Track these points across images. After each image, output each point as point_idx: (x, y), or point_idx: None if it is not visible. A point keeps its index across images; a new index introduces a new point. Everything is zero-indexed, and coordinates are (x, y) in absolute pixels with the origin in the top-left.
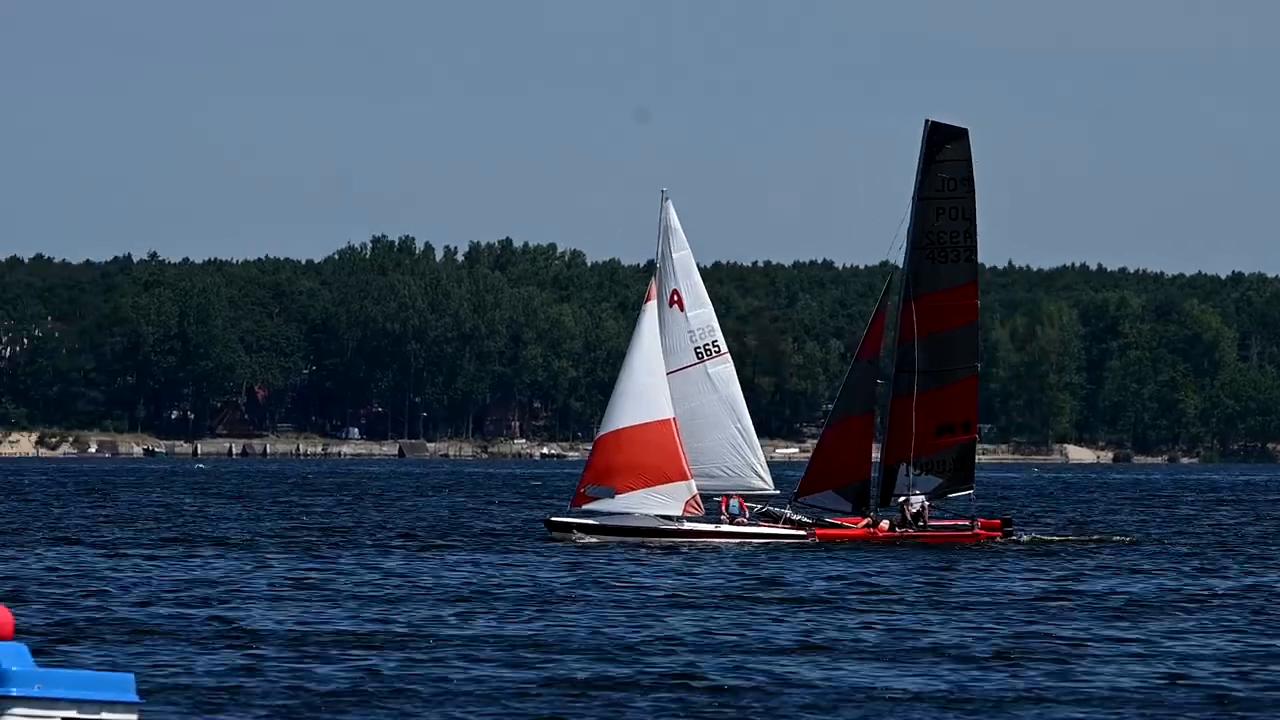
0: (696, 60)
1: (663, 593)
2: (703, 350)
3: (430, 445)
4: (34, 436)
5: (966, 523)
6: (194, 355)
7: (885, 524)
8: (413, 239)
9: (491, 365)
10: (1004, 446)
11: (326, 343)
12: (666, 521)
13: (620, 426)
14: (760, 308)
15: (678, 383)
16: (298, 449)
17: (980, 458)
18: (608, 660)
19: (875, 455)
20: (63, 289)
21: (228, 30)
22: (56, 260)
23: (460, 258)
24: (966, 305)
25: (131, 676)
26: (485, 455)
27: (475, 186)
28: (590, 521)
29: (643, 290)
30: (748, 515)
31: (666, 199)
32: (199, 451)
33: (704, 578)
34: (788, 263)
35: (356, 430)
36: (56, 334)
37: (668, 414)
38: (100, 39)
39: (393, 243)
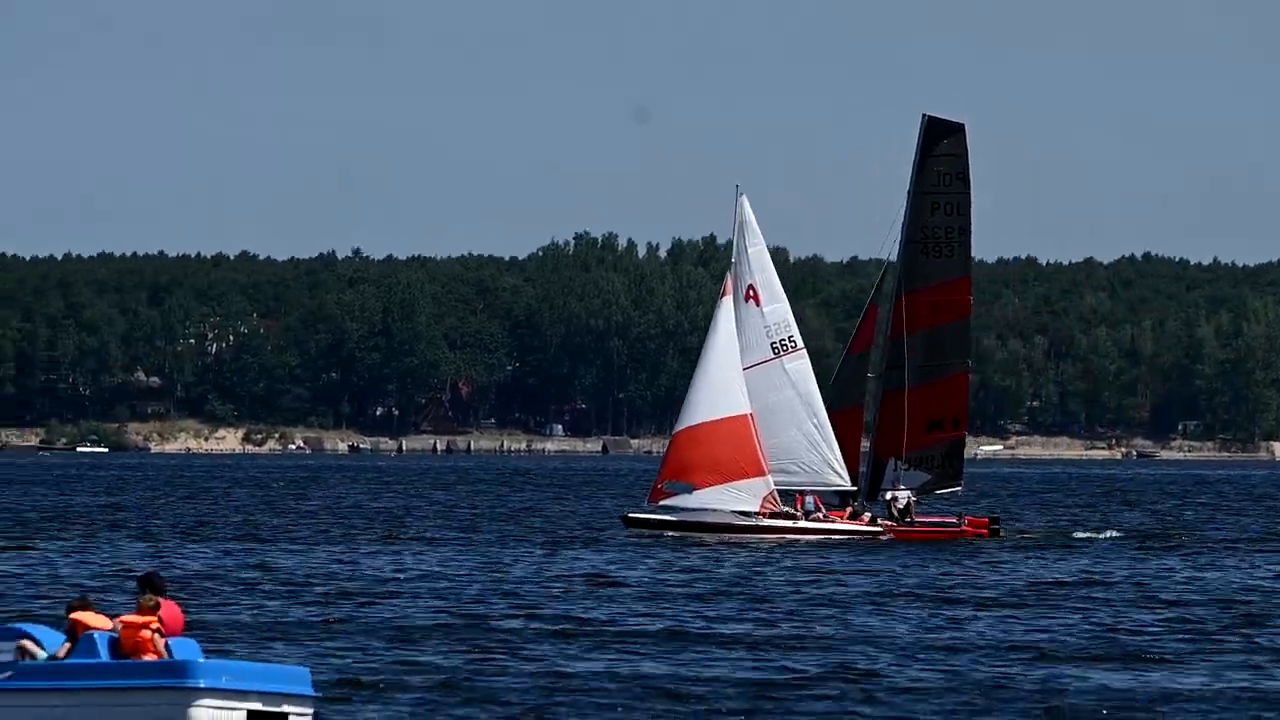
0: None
1: (876, 588)
2: (779, 345)
3: (634, 442)
4: (240, 433)
5: (954, 520)
6: (398, 352)
7: (867, 516)
8: (616, 235)
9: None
10: (1209, 444)
11: (530, 339)
12: (743, 518)
13: (697, 422)
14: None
15: (754, 378)
16: (502, 445)
17: (1184, 455)
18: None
19: (864, 449)
20: (268, 286)
21: (431, 27)
22: (262, 257)
23: (663, 254)
24: (959, 301)
25: (307, 670)
26: None
27: (679, 183)
28: (668, 518)
29: (848, 288)
30: (824, 511)
31: (741, 194)
32: (403, 448)
33: (898, 575)
34: (991, 259)
35: (560, 427)
36: (262, 330)
37: (744, 409)
38: (298, 34)
39: (596, 239)
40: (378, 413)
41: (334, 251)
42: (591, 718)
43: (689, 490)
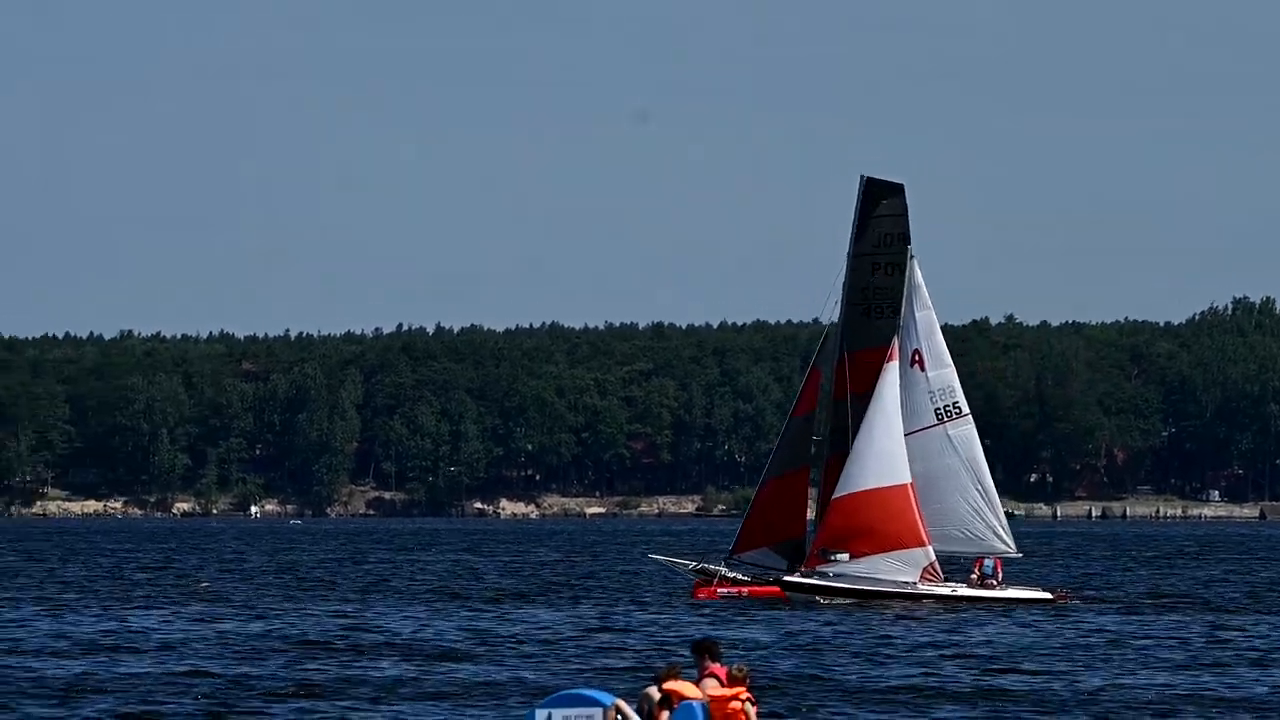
0: None
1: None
2: (943, 411)
3: None
4: None
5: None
6: (1052, 417)
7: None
8: (1273, 300)
9: None
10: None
11: (1185, 404)
12: (905, 586)
13: (858, 489)
14: None
15: (917, 443)
16: (1157, 511)
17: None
18: None
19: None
20: None
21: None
22: None
23: None
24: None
25: None
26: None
27: None
28: (827, 583)
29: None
30: (1000, 577)
31: (912, 256)
32: (1058, 514)
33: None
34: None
35: (1216, 493)
36: None
37: (905, 479)
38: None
39: (1254, 304)
40: (1031, 479)
41: (987, 318)
42: None
43: (846, 558)
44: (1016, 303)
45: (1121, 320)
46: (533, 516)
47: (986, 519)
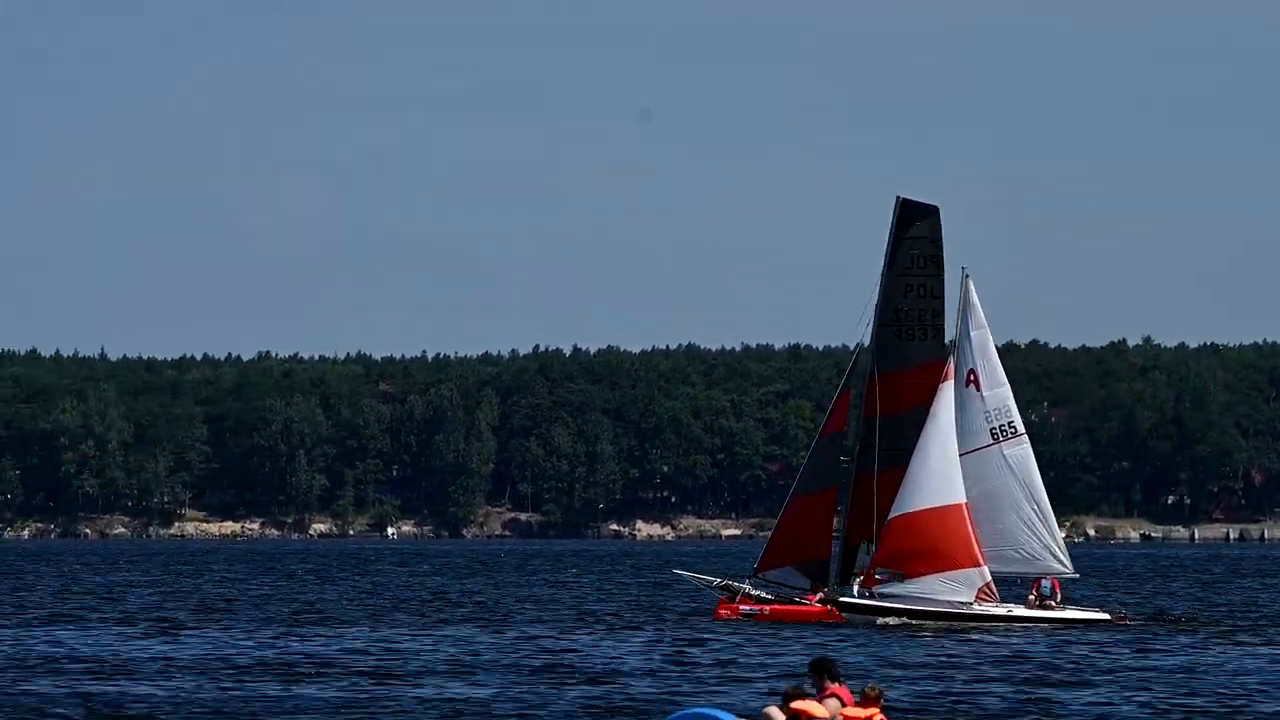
0: None
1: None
2: (998, 431)
3: None
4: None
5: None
6: (1190, 439)
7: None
8: None
9: None
10: None
11: None
12: (960, 606)
13: (914, 509)
14: None
15: (972, 464)
16: None
17: None
18: None
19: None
20: (1059, 374)
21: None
22: (1053, 345)
23: None
24: (931, 384)
25: None
26: None
27: None
28: (885, 604)
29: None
30: (1059, 597)
31: (967, 276)
32: (1196, 536)
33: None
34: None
35: None
36: (1053, 419)
37: (960, 499)
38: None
39: None
40: (1169, 501)
41: (1124, 339)
42: None
43: (901, 578)
44: (1154, 325)
45: (1260, 342)
46: (668, 538)
47: (1043, 539)
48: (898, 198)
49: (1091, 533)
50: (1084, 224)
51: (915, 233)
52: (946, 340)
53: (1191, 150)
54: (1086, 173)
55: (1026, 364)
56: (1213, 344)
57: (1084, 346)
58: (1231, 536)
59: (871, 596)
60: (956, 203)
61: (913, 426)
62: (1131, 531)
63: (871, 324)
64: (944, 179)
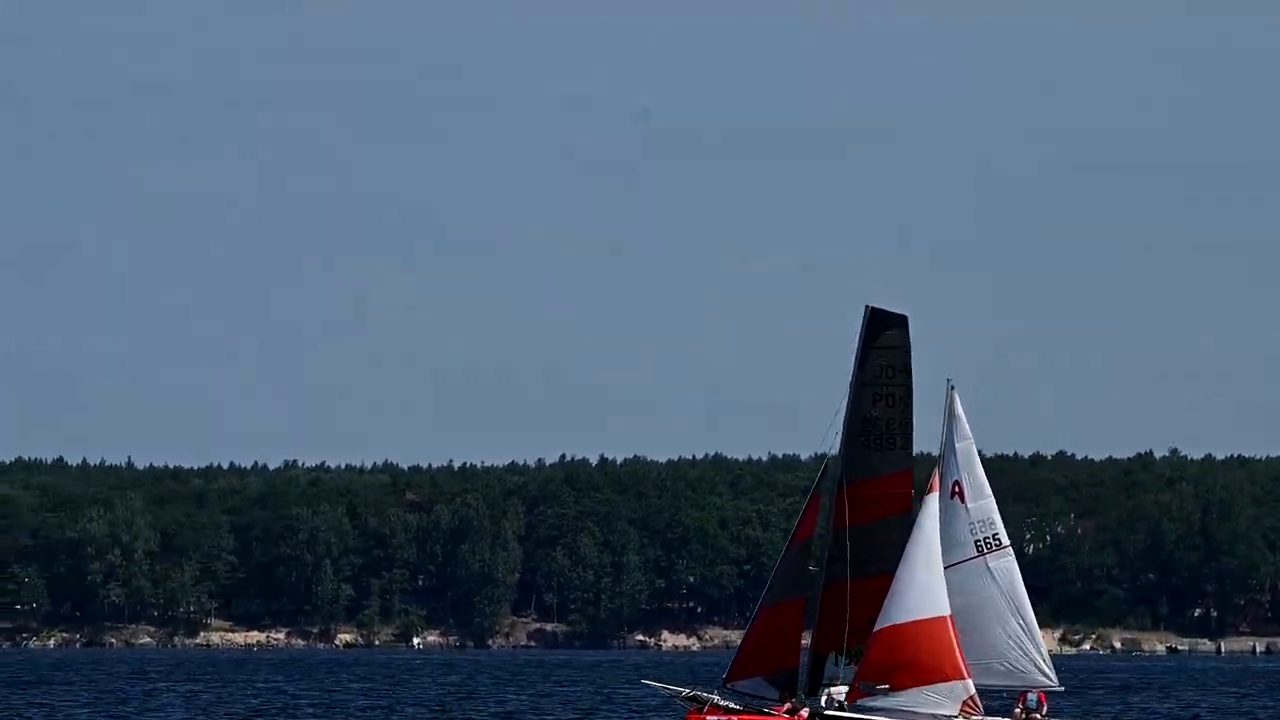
0: None
1: None
2: (983, 543)
3: None
4: (1057, 634)
5: None
6: (1217, 552)
7: (805, 713)
8: None
9: None
10: None
11: None
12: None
13: (898, 622)
14: None
15: (957, 576)
16: None
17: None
18: None
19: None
20: (1086, 485)
21: None
22: (1079, 457)
23: None
24: (899, 494)
25: None
26: None
27: None
28: (864, 718)
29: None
30: (1044, 710)
31: (952, 387)
32: (1222, 649)
33: None
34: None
35: None
36: (1079, 530)
37: (945, 611)
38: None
39: None
40: (1195, 614)
41: (1151, 451)
42: None
43: (886, 691)
44: (1181, 437)
45: None
46: (694, 649)
47: (1028, 651)
48: (867, 307)
49: (1118, 645)
50: (1111, 340)
51: (884, 342)
52: (935, 451)
53: (1221, 268)
54: (1118, 295)
55: (1054, 475)
56: (1239, 456)
57: (1110, 458)
58: (1258, 649)
59: (855, 709)
60: (982, 312)
61: (881, 537)
62: (1158, 644)
63: (840, 433)
64: (973, 292)
